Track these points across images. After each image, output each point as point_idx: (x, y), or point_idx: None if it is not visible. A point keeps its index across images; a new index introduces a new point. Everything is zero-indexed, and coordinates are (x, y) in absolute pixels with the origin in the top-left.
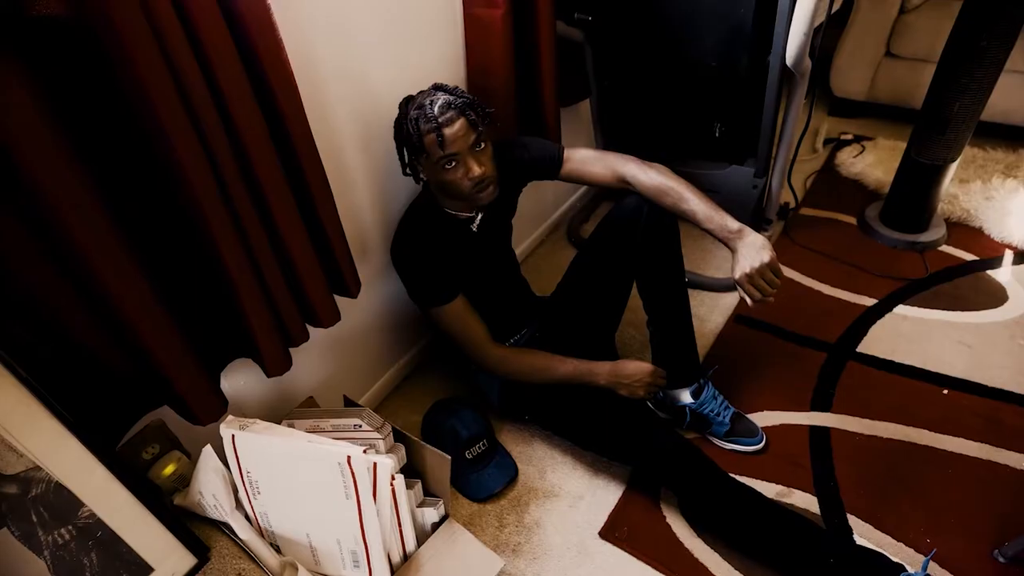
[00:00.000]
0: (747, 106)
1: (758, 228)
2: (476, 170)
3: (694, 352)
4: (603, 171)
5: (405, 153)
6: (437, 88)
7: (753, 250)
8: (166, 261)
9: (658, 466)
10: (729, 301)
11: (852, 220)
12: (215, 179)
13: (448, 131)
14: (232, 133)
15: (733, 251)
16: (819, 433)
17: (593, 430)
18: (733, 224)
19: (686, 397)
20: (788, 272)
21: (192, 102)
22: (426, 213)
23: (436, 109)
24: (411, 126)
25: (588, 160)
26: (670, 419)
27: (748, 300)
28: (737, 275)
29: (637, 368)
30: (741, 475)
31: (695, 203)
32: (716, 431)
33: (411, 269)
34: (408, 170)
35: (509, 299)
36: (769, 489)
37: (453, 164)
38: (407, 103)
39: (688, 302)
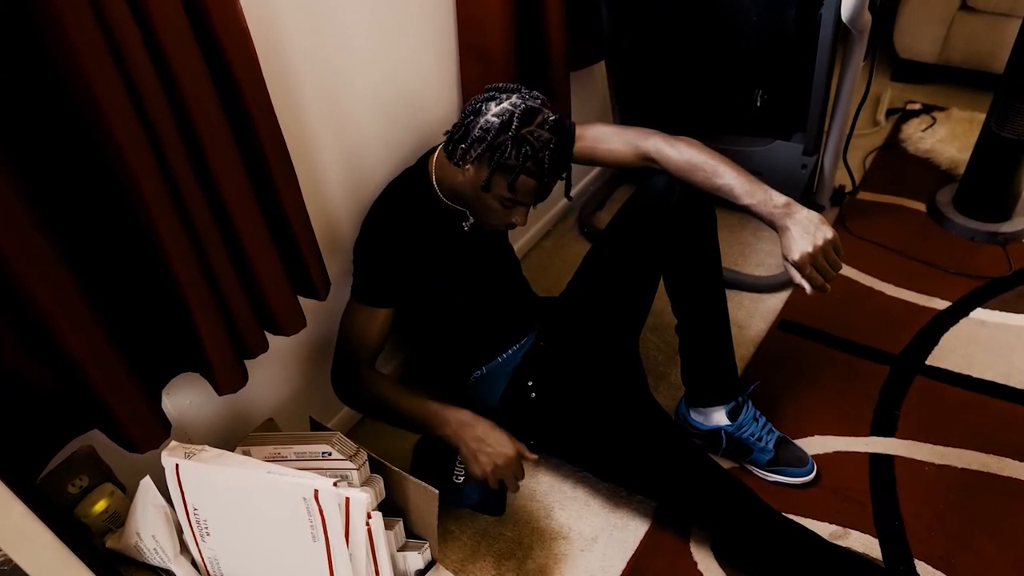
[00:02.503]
0: (795, 70)
1: None
2: (521, 222)
3: (732, 363)
4: (622, 148)
5: (485, 158)
6: (547, 125)
7: (810, 226)
8: (95, 253)
9: (690, 500)
10: (772, 304)
11: (921, 206)
12: (154, 154)
13: (541, 188)
14: (175, 101)
15: (782, 230)
16: (881, 462)
17: (611, 456)
18: (779, 198)
19: (721, 418)
20: (844, 269)
21: (123, 54)
22: (412, 197)
23: (547, 161)
24: (514, 155)
25: (604, 137)
26: (703, 444)
27: (807, 287)
28: (795, 256)
29: (494, 438)
30: (787, 511)
31: (731, 176)
32: (757, 459)
33: (370, 256)
34: (460, 161)
35: (505, 304)
36: (821, 529)
37: (510, 206)
38: (514, 117)
39: (725, 303)
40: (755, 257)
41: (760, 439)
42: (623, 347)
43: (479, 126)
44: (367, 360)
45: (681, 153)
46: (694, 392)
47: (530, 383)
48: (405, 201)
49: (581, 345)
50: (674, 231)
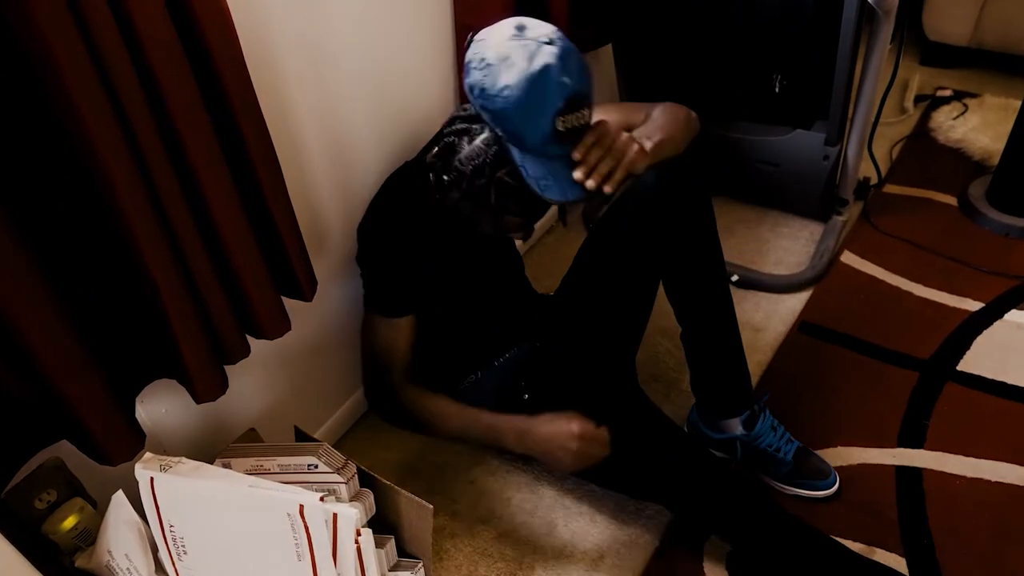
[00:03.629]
0: (816, 52)
1: (830, 209)
2: (523, 239)
3: (744, 371)
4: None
5: (465, 203)
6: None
7: None
8: (62, 248)
9: (698, 502)
10: (792, 305)
11: (951, 200)
12: (127, 143)
13: (530, 223)
14: (149, 86)
15: None
16: (909, 475)
17: (619, 462)
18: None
19: (736, 427)
20: (869, 267)
21: (94, 36)
22: (414, 195)
23: (531, 201)
24: (495, 198)
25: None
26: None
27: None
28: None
29: (553, 431)
30: None
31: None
32: (775, 472)
33: (381, 265)
34: (441, 198)
35: (506, 307)
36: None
37: (518, 228)
38: (487, 161)
39: (732, 306)
40: (773, 255)
41: (778, 450)
42: (619, 354)
43: (453, 167)
44: (400, 373)
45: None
46: (705, 402)
47: (523, 383)
48: (407, 200)
49: (574, 347)
50: (666, 230)
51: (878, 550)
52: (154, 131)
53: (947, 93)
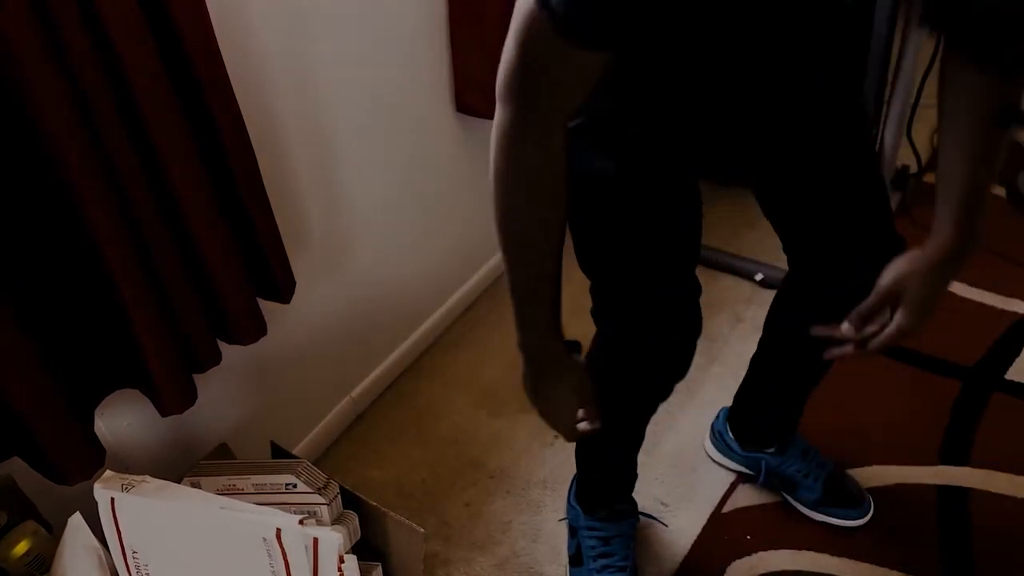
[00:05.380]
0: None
1: None
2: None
3: (797, 418)
4: None
5: None
6: None
7: None
8: (14, 243)
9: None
10: None
11: (999, 190)
12: (86, 129)
13: None
14: (111, 66)
15: None
16: (952, 496)
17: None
18: None
19: (751, 450)
20: None
21: (48, 6)
22: None
23: None
24: None
25: None
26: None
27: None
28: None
29: (552, 411)
30: (839, 555)
31: None
32: (802, 497)
33: None
34: None
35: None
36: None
37: None
38: None
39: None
40: None
41: (808, 475)
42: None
43: None
44: (563, 118)
45: None
46: (741, 429)
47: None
48: None
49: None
50: None
51: None
52: (114, 108)
53: None
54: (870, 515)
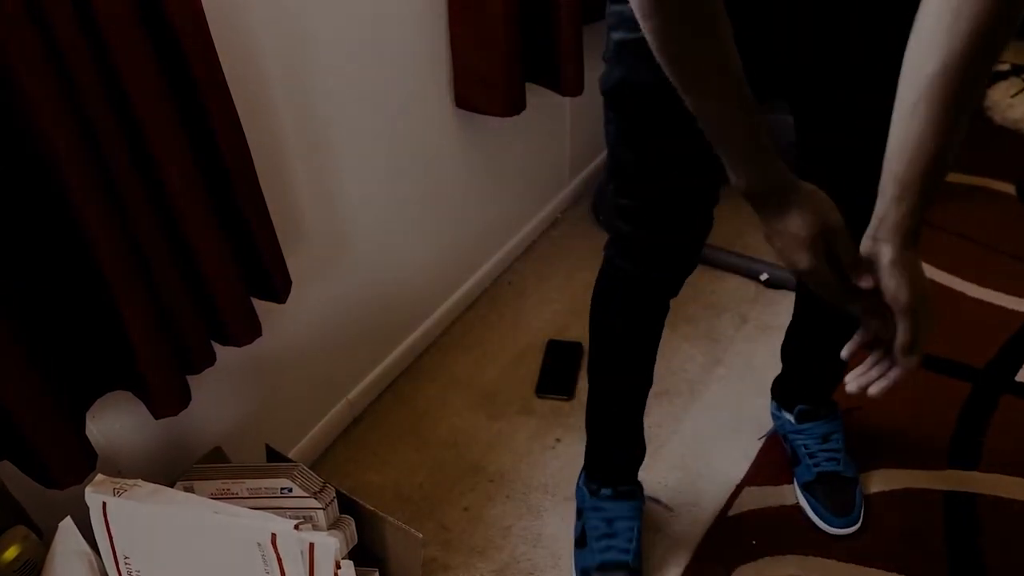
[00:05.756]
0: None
1: None
2: None
3: (834, 383)
4: None
5: None
6: None
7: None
8: (7, 244)
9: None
10: None
11: (1009, 188)
12: (75, 118)
13: None
14: (103, 58)
15: None
16: (960, 501)
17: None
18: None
19: (785, 412)
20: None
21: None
22: None
23: None
24: None
25: None
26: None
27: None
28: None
29: (788, 231)
30: (846, 561)
31: None
32: (797, 474)
33: None
34: None
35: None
36: None
37: None
38: None
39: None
40: None
41: (812, 455)
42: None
43: None
44: None
45: None
46: (781, 389)
47: None
48: None
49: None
50: None
51: None
52: (109, 109)
53: (1005, 67)
54: (850, 530)
